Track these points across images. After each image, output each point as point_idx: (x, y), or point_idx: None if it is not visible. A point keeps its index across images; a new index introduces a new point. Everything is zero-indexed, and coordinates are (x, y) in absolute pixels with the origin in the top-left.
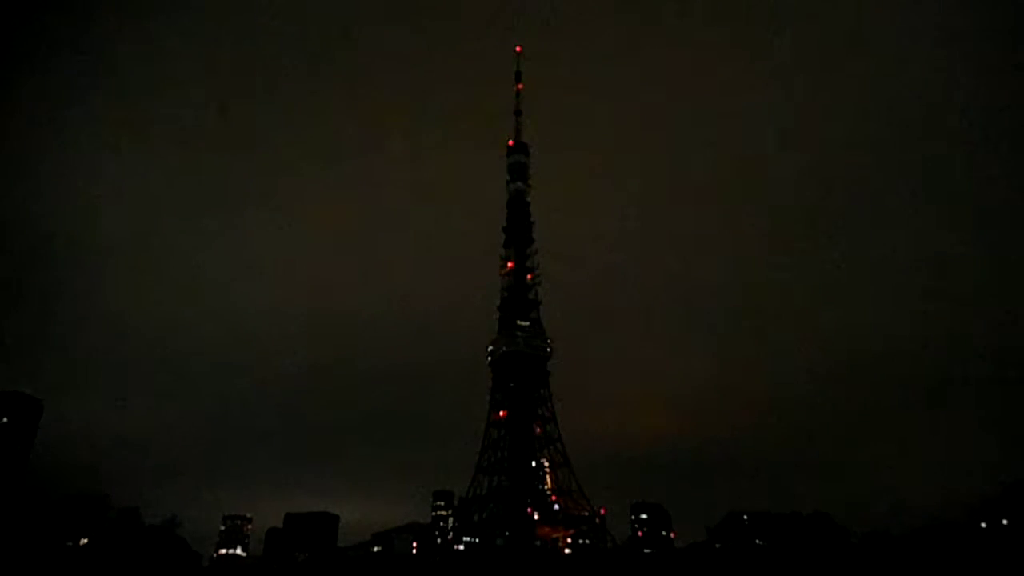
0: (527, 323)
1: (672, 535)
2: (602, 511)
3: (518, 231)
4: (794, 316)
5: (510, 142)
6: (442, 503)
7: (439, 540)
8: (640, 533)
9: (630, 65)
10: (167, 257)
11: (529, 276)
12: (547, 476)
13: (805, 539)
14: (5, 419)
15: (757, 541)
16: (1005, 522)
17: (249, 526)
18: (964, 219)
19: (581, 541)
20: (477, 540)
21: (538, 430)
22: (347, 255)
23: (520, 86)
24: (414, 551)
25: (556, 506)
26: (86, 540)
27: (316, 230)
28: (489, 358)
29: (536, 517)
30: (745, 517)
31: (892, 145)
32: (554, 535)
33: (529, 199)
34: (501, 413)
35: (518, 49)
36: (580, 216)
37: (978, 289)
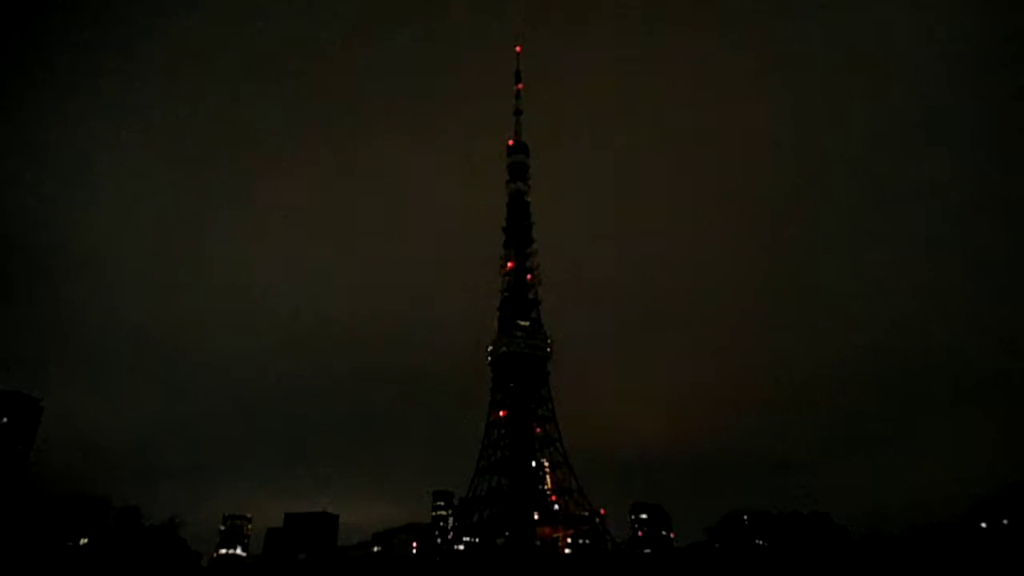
0: (527, 323)
1: (672, 535)
2: (602, 511)
3: (518, 231)
4: (794, 318)
5: (510, 142)
6: (442, 503)
7: (439, 540)
8: (640, 533)
9: (632, 64)
10: (167, 257)
11: (529, 276)
12: (547, 476)
13: (805, 539)
14: (5, 419)
15: (757, 541)
16: (1005, 522)
17: (249, 526)
18: (963, 220)
19: (581, 541)
20: (477, 540)
21: (538, 430)
22: (347, 256)
23: (520, 86)
24: (414, 551)
25: (556, 506)
26: (86, 540)
27: (316, 232)
28: (489, 358)
29: (536, 517)
30: (745, 517)
31: (895, 143)
32: (554, 535)
33: (529, 199)
34: (501, 413)
35: (518, 49)
36: (580, 216)
37: (978, 289)
